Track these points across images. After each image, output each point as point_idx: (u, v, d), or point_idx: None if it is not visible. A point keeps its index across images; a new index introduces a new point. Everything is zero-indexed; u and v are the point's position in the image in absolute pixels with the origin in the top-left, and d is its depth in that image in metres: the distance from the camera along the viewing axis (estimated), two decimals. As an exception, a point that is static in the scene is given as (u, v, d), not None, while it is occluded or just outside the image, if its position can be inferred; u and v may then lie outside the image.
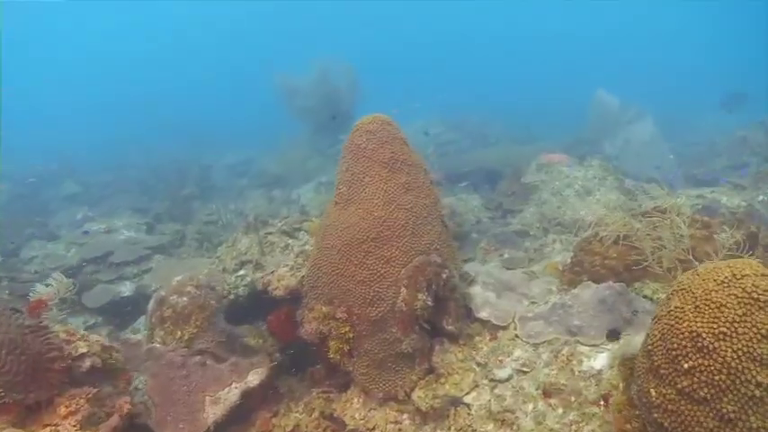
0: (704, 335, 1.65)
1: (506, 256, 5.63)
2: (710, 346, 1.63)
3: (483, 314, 3.43)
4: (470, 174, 10.06)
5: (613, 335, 2.91)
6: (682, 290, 1.82)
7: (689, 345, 1.68)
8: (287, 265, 3.95)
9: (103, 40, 38.47)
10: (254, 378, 3.63)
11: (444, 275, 3.11)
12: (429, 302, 3.02)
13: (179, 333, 3.79)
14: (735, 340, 1.60)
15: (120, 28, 38.42)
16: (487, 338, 3.36)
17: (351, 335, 3.13)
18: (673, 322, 1.76)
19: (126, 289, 6.30)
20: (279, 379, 3.87)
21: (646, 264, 3.02)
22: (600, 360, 2.72)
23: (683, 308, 1.75)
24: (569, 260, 4.34)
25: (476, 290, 3.66)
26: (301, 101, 10.68)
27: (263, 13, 39.72)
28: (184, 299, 3.87)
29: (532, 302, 3.76)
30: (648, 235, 3.00)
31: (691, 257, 2.85)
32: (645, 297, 3.40)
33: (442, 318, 3.26)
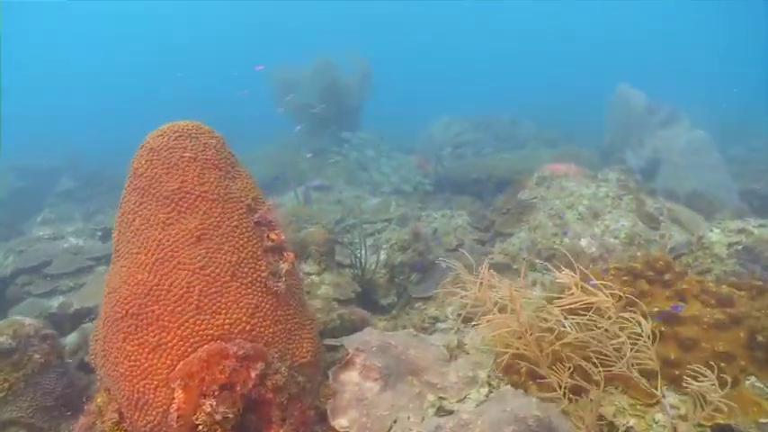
0: None
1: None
2: None
3: (342, 421, 2.26)
4: (477, 182, 8.68)
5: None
6: None
7: None
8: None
9: (105, 41, 38.22)
10: (54, 467, 2.72)
11: (255, 373, 1.98)
12: (221, 414, 1.90)
13: (-20, 397, 2.94)
14: None
15: (122, 28, 38.05)
16: (342, 463, 2.19)
17: (126, 446, 2.10)
18: None
19: (57, 304, 5.71)
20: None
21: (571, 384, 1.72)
22: None
23: None
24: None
25: (348, 377, 2.48)
26: (296, 96, 9.76)
27: (279, 12, 38.73)
28: (-8, 352, 3.02)
29: (440, 399, 2.53)
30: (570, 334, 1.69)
31: (657, 388, 1.52)
32: (601, 422, 2.08)
33: (268, 429, 2.13)
